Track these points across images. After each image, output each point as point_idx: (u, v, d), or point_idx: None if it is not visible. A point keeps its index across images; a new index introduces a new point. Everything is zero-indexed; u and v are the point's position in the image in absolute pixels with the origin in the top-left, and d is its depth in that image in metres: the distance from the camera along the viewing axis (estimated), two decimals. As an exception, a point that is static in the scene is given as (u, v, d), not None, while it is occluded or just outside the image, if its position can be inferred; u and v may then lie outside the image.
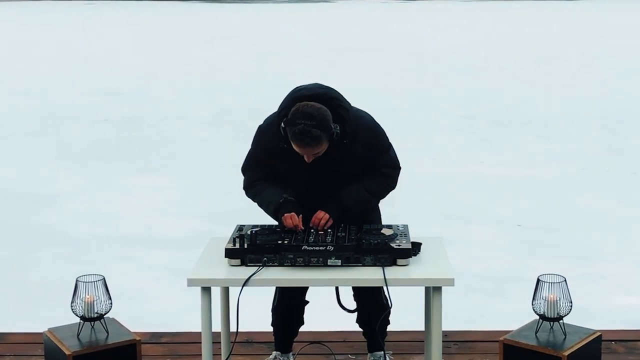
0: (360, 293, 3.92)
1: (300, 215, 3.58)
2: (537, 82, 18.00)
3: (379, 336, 3.92)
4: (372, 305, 3.89)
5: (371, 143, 3.67)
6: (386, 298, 3.73)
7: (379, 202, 3.84)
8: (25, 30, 31.98)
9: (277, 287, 3.95)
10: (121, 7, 45.56)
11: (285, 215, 3.57)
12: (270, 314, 4.04)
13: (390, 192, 3.81)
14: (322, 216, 3.62)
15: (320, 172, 3.64)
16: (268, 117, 3.70)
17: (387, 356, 4.04)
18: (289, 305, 3.97)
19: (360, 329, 4.09)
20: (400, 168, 3.79)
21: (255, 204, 3.76)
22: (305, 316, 4.08)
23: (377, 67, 19.69)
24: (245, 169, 3.79)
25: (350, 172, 3.69)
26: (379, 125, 3.73)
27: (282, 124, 3.48)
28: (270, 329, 4.11)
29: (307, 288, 3.95)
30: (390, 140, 3.81)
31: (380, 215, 3.93)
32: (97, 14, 40.44)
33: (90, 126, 13.66)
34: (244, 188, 3.81)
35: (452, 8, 41.28)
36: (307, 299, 4.00)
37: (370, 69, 19.11)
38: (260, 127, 3.72)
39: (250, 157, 3.77)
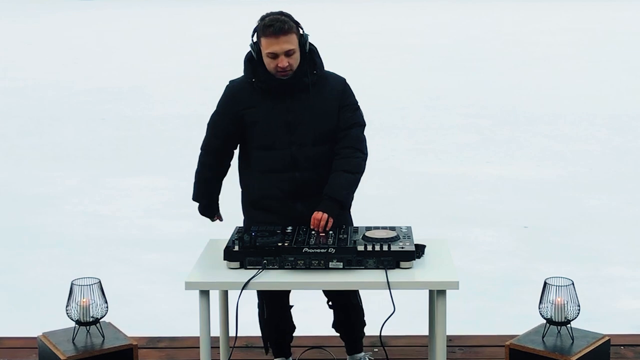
0: (334, 297, 3.93)
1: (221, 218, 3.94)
2: (543, 80, 18.00)
3: (358, 338, 4.03)
4: (348, 308, 3.91)
5: (341, 91, 3.75)
6: (360, 299, 3.88)
7: (361, 176, 3.79)
8: (19, 27, 32.00)
9: (260, 300, 3.92)
10: (119, 3, 45.59)
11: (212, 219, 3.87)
12: (259, 327, 4.02)
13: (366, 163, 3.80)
14: (320, 217, 3.60)
15: (292, 122, 3.67)
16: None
17: (366, 357, 4.09)
18: (277, 314, 3.96)
19: (337, 333, 4.10)
20: (365, 125, 3.81)
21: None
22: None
23: (382, 64, 19.70)
24: (208, 127, 3.88)
25: (321, 124, 3.70)
26: (349, 85, 3.82)
27: (252, 39, 3.65)
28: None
29: (289, 293, 3.93)
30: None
31: (351, 217, 3.91)
32: (93, 11, 40.47)
33: (86, 125, 13.66)
34: (200, 148, 3.90)
35: (458, 5, 41.29)
36: (291, 303, 3.99)
37: (375, 66, 19.12)
38: (227, 85, 3.82)
39: (213, 117, 3.85)
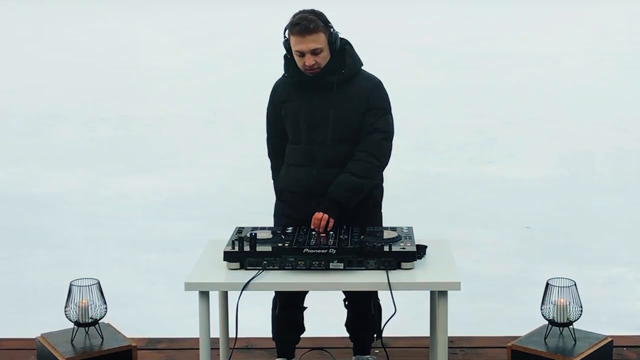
0: (353, 300, 3.94)
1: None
2: (546, 80, 18.00)
3: (368, 342, 4.05)
4: (365, 313, 3.92)
5: (369, 93, 3.75)
6: (379, 307, 3.89)
7: (371, 185, 3.78)
8: (16, 26, 32.00)
9: (275, 295, 3.95)
10: (117, 2, 45.59)
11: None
12: (270, 322, 4.04)
13: (382, 172, 3.82)
14: (321, 217, 3.62)
15: (315, 119, 3.72)
16: None
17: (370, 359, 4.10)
18: (288, 312, 3.98)
19: (347, 333, 4.12)
20: (392, 138, 3.80)
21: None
22: (306, 322, 4.08)
23: (384, 63, 19.70)
24: (268, 140, 4.02)
25: (342, 124, 3.71)
26: (385, 89, 3.82)
27: (284, 36, 3.71)
28: (271, 335, 4.11)
29: (305, 294, 3.95)
30: (394, 139, 3.82)
31: (381, 216, 3.93)
32: (91, 9, 40.47)
33: (85, 125, 13.67)
34: (268, 156, 4.04)
35: (460, 4, 41.29)
36: (305, 304, 4.01)
37: (377, 65, 19.09)
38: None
39: (266, 121, 3.98)
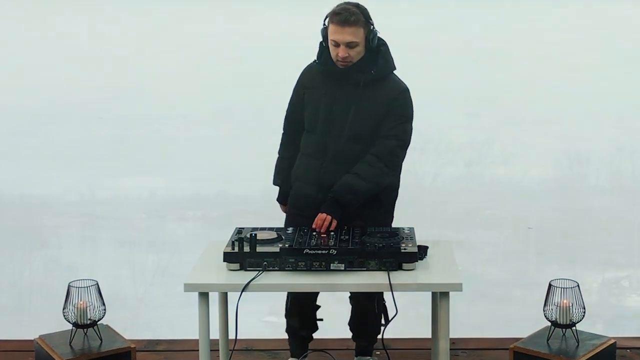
0: (359, 298, 3.94)
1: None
2: (549, 79, 17.99)
3: (370, 342, 4.06)
4: (369, 311, 3.93)
5: (394, 97, 3.73)
6: (384, 308, 3.86)
7: (375, 190, 3.76)
8: (12, 23, 31.99)
9: (288, 293, 3.95)
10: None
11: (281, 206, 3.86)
12: (285, 320, 4.05)
13: (393, 178, 3.81)
14: (324, 218, 3.63)
15: (334, 112, 3.72)
16: None
17: None
18: (300, 311, 3.98)
19: (350, 332, 4.13)
20: (407, 147, 3.81)
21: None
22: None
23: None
24: (285, 118, 4.01)
25: (360, 123, 3.72)
26: (410, 97, 3.81)
27: (323, 23, 3.71)
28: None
29: (317, 293, 3.96)
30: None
31: (392, 219, 3.93)
32: (88, 6, 40.45)
33: (83, 125, 13.66)
34: (283, 129, 4.04)
35: (459, 2, 41.26)
36: (318, 303, 4.01)
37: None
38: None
39: (290, 98, 3.96)
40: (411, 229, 3.68)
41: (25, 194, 9.50)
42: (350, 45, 3.63)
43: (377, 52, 3.72)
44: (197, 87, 17.16)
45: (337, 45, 3.65)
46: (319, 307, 4.04)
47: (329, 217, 3.63)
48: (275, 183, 4.03)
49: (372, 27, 3.70)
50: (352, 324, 4.08)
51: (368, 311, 3.93)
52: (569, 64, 20.19)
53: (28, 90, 17.33)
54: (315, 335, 4.18)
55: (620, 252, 7.39)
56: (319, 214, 3.65)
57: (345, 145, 3.73)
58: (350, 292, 3.95)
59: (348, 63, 3.66)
